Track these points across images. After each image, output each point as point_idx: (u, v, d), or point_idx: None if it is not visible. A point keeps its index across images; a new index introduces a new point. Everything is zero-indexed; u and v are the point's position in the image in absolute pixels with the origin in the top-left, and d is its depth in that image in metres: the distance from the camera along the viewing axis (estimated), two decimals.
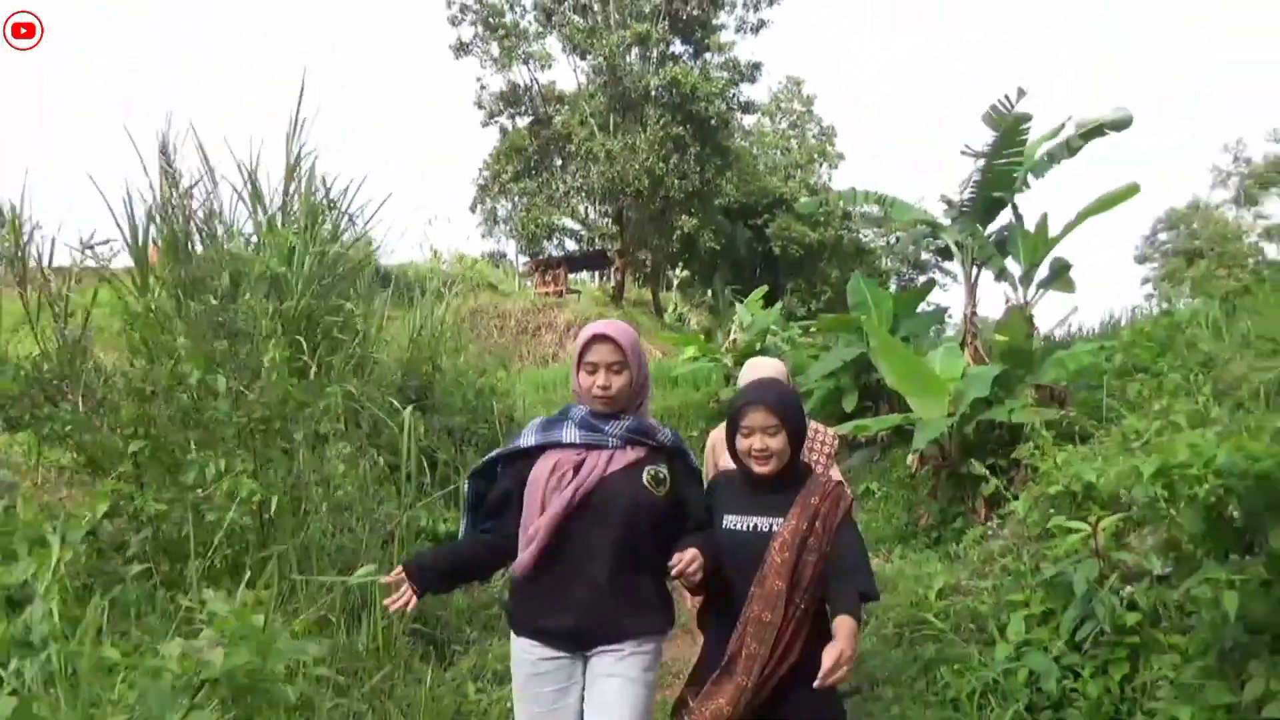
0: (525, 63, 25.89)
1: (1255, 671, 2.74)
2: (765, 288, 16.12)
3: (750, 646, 2.48)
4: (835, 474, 3.58)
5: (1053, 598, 4.11)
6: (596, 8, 25.08)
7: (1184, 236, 35.56)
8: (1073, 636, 3.83)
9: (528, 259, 29.55)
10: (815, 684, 2.20)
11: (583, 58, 25.45)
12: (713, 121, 24.19)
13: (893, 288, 27.75)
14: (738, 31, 26.67)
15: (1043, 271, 9.93)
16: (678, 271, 27.48)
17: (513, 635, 2.68)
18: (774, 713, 2.51)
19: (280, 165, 6.85)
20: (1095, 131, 9.80)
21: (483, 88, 27.01)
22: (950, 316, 13.89)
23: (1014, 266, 10.01)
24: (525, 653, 2.61)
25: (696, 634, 3.17)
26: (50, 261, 6.33)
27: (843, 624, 2.36)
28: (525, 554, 2.51)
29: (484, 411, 7.73)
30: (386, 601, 2.45)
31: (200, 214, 6.54)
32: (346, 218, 7.19)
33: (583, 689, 2.58)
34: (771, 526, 2.58)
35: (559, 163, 26.84)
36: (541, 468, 2.59)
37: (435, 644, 4.68)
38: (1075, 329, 14.12)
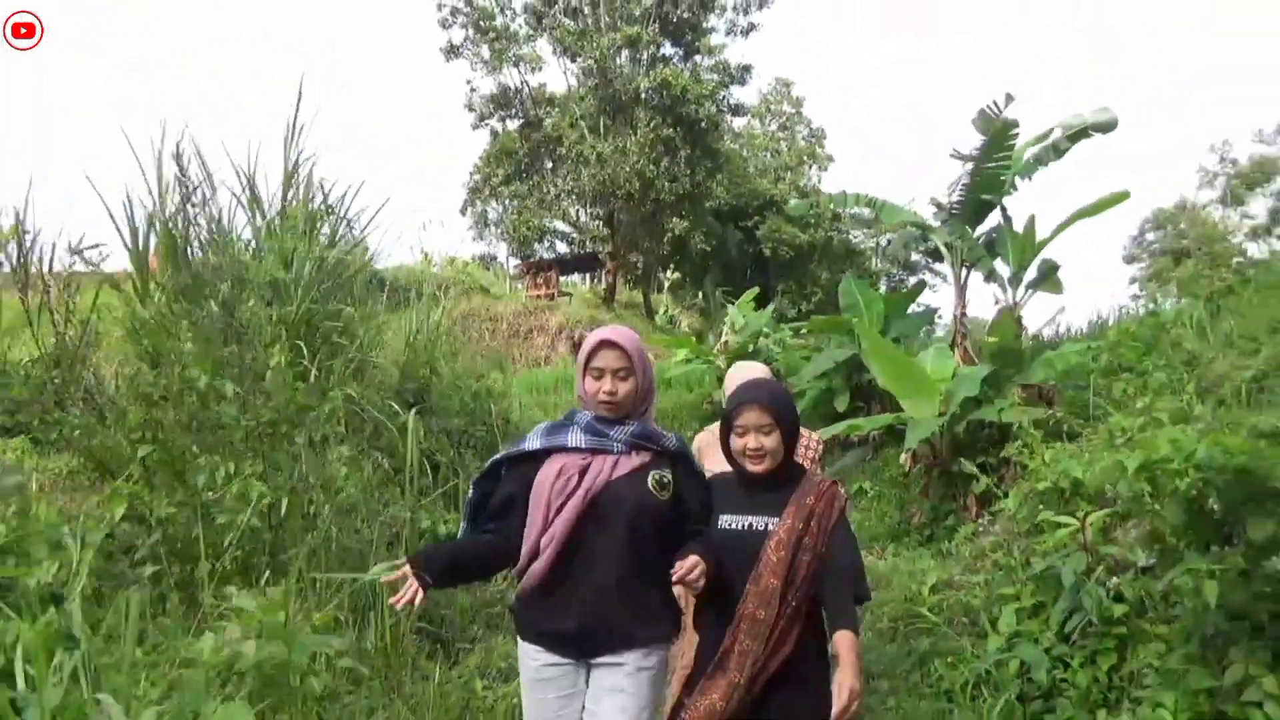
0: (516, 65, 25.97)
1: (1235, 657, 2.84)
2: (756, 289, 16.19)
3: (743, 643, 2.50)
4: None
5: (1042, 591, 4.20)
6: (587, 10, 25.12)
7: (1171, 236, 35.70)
8: (1062, 628, 3.94)
9: (519, 262, 29.56)
10: None
11: (573, 60, 25.51)
12: (703, 124, 24.25)
13: (883, 289, 27.85)
14: (728, 34, 26.85)
15: (1031, 273, 10.05)
16: (669, 274, 27.61)
17: (519, 640, 2.68)
18: (766, 708, 2.52)
19: (279, 168, 6.94)
20: (1081, 133, 9.95)
21: (473, 90, 27.12)
22: (940, 317, 14.03)
23: (1003, 268, 10.14)
24: (530, 658, 2.61)
25: (692, 632, 3.22)
26: (50, 267, 6.41)
27: (844, 642, 2.40)
28: (539, 563, 2.52)
29: (482, 414, 7.80)
30: (392, 600, 2.43)
31: (200, 220, 6.63)
32: (344, 223, 7.27)
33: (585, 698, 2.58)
34: (767, 526, 2.60)
35: (550, 165, 26.90)
36: (547, 472, 2.59)
37: (441, 642, 4.74)
38: (1064, 329, 14.28)
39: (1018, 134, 9.45)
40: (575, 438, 2.64)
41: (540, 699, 2.59)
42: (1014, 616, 4.22)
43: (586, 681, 2.58)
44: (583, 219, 27.99)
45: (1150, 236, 37.39)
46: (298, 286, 6.06)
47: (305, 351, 5.69)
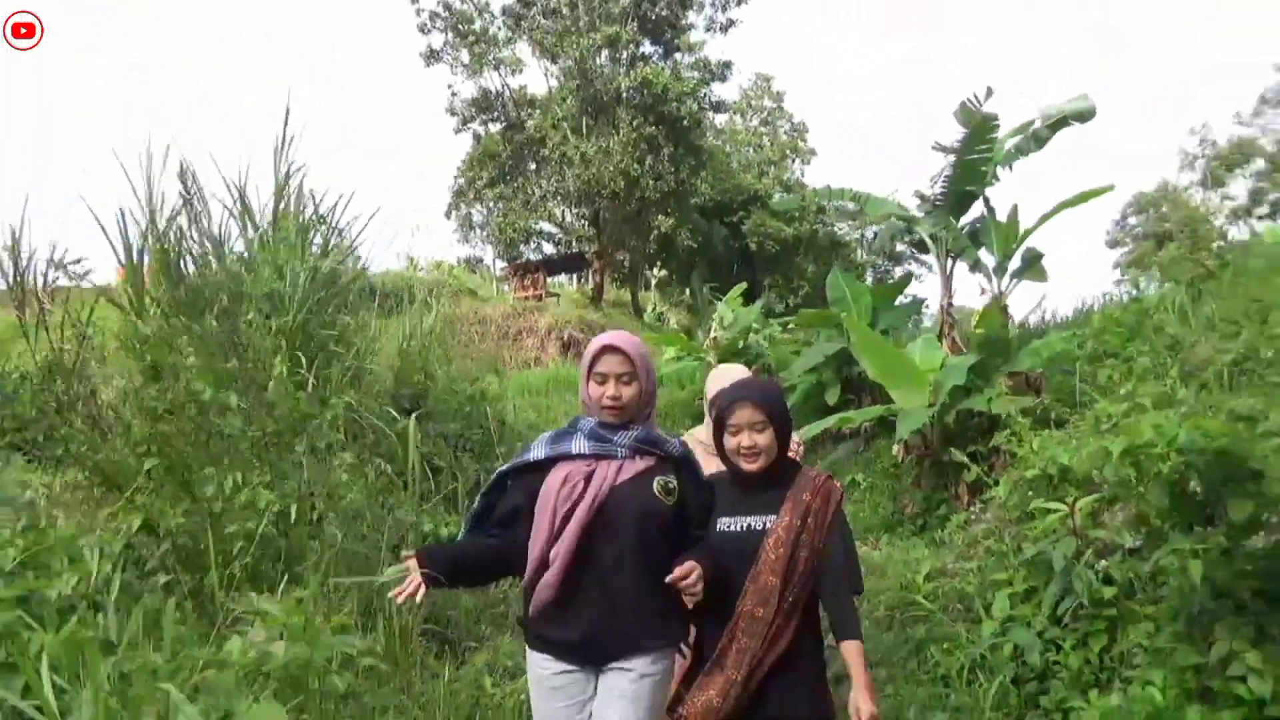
0: (496, 68, 25.94)
1: (1220, 634, 2.93)
2: (743, 284, 16.27)
3: (741, 641, 2.52)
4: None
5: (1034, 575, 4.30)
6: (565, 11, 25.08)
7: (1153, 220, 35.94)
8: (1054, 611, 4.03)
9: (505, 264, 29.60)
10: None
11: (553, 61, 25.52)
12: (685, 121, 24.34)
13: (869, 279, 28.00)
14: (707, 31, 26.89)
15: (1015, 262, 10.19)
16: (656, 271, 27.70)
17: (528, 650, 2.67)
18: (763, 703, 2.54)
19: (270, 176, 6.98)
20: (1061, 122, 10.07)
21: (454, 94, 27.12)
22: (927, 306, 14.16)
23: (987, 257, 10.27)
24: (540, 667, 2.59)
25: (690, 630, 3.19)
26: (45, 282, 6.46)
27: (853, 654, 2.47)
28: (550, 574, 2.50)
29: (478, 417, 7.85)
30: (393, 593, 2.44)
31: (192, 234, 6.67)
32: (336, 233, 7.32)
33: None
34: (765, 525, 2.60)
35: (533, 167, 26.92)
36: (552, 480, 2.57)
37: (448, 642, 4.81)
38: (1050, 315, 14.42)
39: (998, 126, 9.60)
40: (579, 444, 2.63)
41: (550, 707, 2.57)
42: (1007, 601, 4.30)
43: (595, 688, 2.57)
44: (568, 219, 28.05)
45: (1133, 220, 37.63)
46: (293, 298, 6.11)
47: (304, 361, 5.75)
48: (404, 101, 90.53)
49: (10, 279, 6.30)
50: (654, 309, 28.09)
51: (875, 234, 26.91)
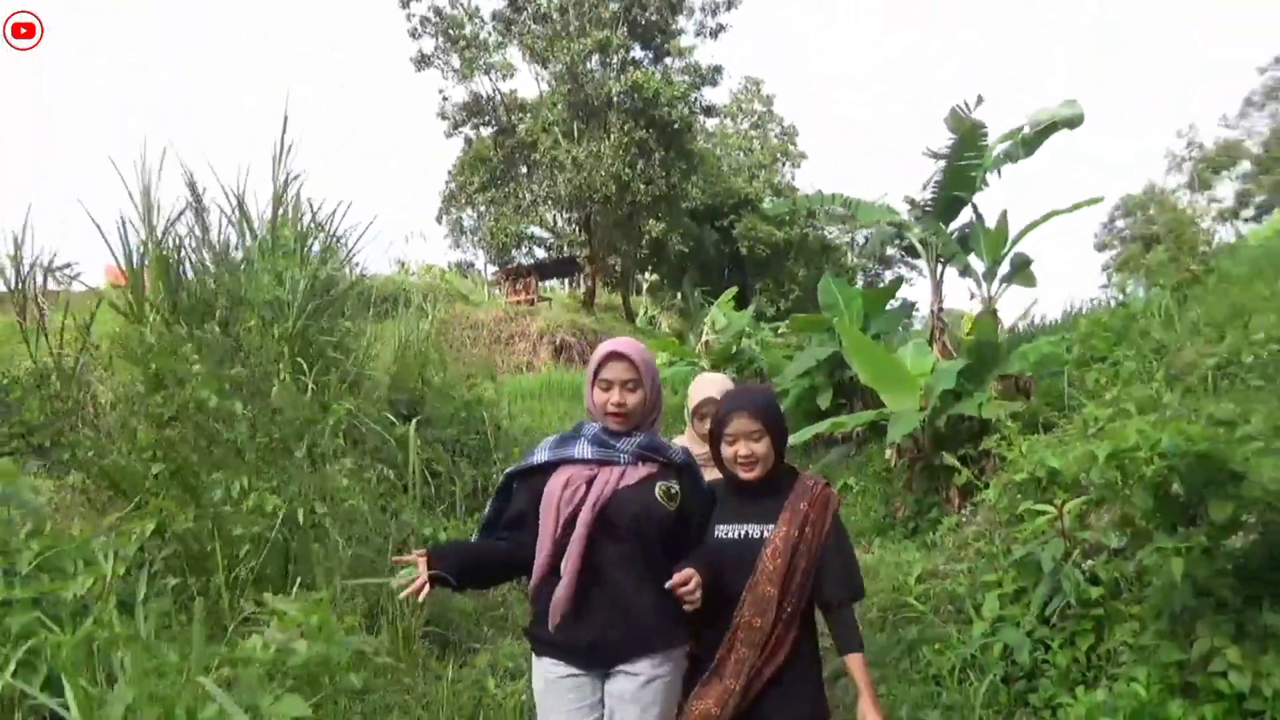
0: (487, 73, 26.05)
1: (1201, 632, 3.03)
2: (735, 289, 16.35)
3: (739, 651, 2.55)
4: None
5: (1023, 576, 4.39)
6: (556, 16, 25.17)
7: (1141, 222, 36.16)
8: (1042, 611, 4.12)
9: (496, 268, 29.60)
10: None
11: (544, 66, 25.57)
12: (676, 125, 24.43)
13: (859, 283, 28.11)
14: (697, 36, 27.04)
15: (1004, 267, 10.28)
16: (647, 275, 27.72)
17: (534, 656, 2.67)
18: (761, 711, 2.56)
19: (268, 181, 7.02)
20: (1050, 128, 10.16)
21: (445, 99, 27.18)
22: (917, 310, 14.24)
23: (976, 263, 10.35)
24: (546, 671, 2.60)
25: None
26: (45, 288, 6.50)
27: (858, 668, 2.55)
28: (561, 589, 2.50)
29: (474, 422, 7.90)
30: (395, 583, 2.46)
31: (190, 241, 6.71)
32: (333, 240, 7.37)
33: (603, 709, 2.57)
34: (762, 533, 2.62)
35: (525, 171, 26.99)
36: (555, 483, 2.59)
37: (449, 644, 4.88)
38: (1040, 319, 14.52)
39: (987, 133, 9.70)
40: (582, 449, 2.65)
41: (558, 710, 2.57)
42: (997, 602, 4.39)
43: (602, 691, 2.57)
44: (559, 224, 28.11)
45: (1120, 223, 37.87)
46: (293, 304, 6.17)
47: (305, 367, 5.82)
48: (404, 101, 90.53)
49: (11, 284, 6.35)
50: (646, 313, 28.14)
51: (866, 238, 27.06)
